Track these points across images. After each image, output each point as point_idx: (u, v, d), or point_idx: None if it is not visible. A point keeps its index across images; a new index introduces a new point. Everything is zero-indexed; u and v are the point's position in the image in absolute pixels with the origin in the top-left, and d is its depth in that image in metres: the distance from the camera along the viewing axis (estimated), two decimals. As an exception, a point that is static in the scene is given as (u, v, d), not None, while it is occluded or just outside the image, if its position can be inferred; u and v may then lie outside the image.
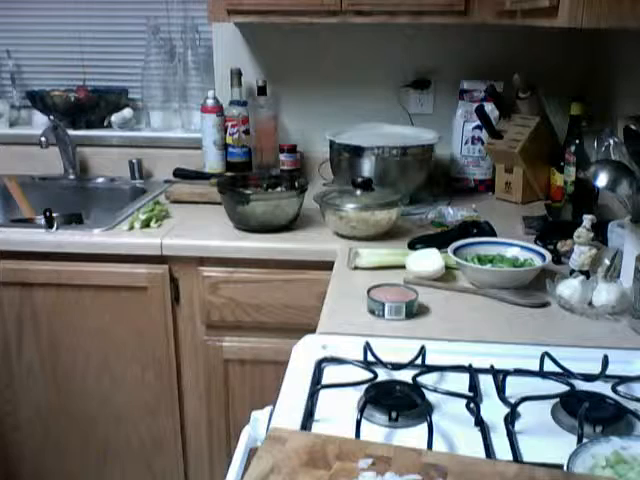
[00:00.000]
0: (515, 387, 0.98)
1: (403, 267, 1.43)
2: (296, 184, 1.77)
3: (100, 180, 2.25)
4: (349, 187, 1.73)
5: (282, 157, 2.17)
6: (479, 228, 1.60)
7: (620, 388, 0.96)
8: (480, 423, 0.90)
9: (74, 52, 2.35)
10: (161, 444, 1.87)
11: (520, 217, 1.80)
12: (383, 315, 1.23)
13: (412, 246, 1.56)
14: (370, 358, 1.04)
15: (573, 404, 0.91)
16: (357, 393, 0.96)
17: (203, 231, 1.75)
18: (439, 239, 1.55)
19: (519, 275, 1.36)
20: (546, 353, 1.03)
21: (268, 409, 0.99)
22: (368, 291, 1.27)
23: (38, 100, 2.30)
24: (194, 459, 1.89)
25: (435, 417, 0.91)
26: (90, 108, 2.30)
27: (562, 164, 1.84)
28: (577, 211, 1.67)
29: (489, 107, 2.01)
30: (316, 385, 0.99)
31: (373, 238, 1.66)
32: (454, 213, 1.79)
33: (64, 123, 2.25)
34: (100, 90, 2.34)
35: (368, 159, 1.86)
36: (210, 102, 2.11)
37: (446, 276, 1.42)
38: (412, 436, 0.88)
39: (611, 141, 1.38)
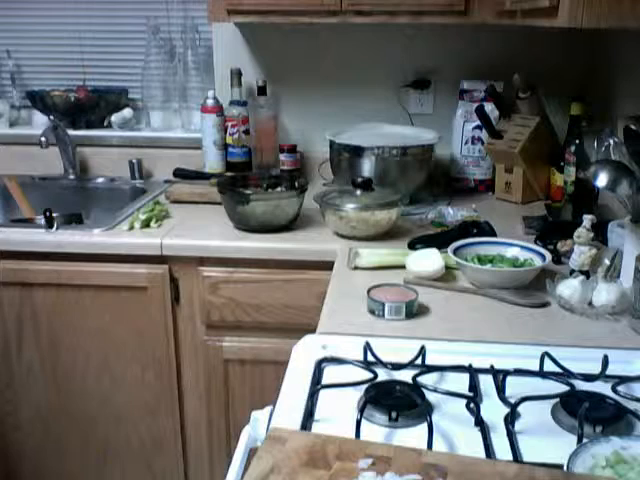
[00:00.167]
0: (515, 387, 0.98)
1: (403, 267, 1.43)
2: (296, 184, 1.77)
3: (100, 180, 2.25)
4: (349, 187, 1.73)
5: (282, 157, 2.17)
6: (479, 228, 1.60)
7: (620, 388, 0.96)
8: (480, 423, 0.90)
9: (74, 52, 2.35)
10: (161, 444, 1.87)
11: (520, 217, 1.80)
12: (383, 315, 1.23)
13: (412, 246, 1.56)
14: (370, 358, 1.04)
15: (573, 404, 0.91)
16: (357, 393, 0.96)
17: (203, 231, 1.75)
18: (439, 239, 1.55)
19: (519, 275, 1.36)
20: (546, 353, 1.03)
21: (268, 409, 0.99)
22: (368, 291, 1.27)
23: (38, 100, 2.30)
24: (194, 459, 1.89)
25: (435, 417, 0.91)
26: (90, 108, 2.30)
27: (562, 164, 1.85)
28: (577, 211, 1.67)
29: (489, 107, 2.01)
30: (316, 385, 0.99)
31: (373, 238, 1.66)
32: (454, 213, 1.79)
33: (64, 123, 2.25)
34: (100, 90, 2.34)
35: (368, 159, 1.86)
36: (210, 102, 2.11)
37: (446, 276, 1.42)
38: (412, 436, 0.88)
39: (611, 141, 1.38)
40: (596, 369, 1.00)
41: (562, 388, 0.96)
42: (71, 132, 2.25)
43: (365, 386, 0.95)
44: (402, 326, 1.21)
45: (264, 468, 0.74)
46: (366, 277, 1.40)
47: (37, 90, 2.33)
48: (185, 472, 1.90)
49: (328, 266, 1.53)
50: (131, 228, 1.76)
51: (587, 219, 1.34)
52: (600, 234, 1.46)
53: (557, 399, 0.94)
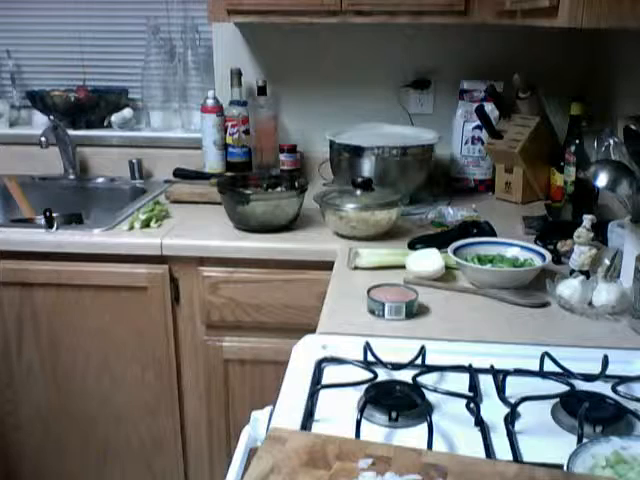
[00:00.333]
0: (515, 387, 0.98)
1: (403, 267, 1.43)
2: (296, 184, 1.77)
3: (100, 180, 2.25)
4: (349, 187, 1.73)
5: (282, 157, 2.17)
6: (479, 228, 1.60)
7: (620, 388, 0.96)
8: (480, 423, 0.90)
9: (74, 52, 2.35)
10: (161, 444, 1.87)
11: (520, 217, 1.80)
12: (383, 315, 1.23)
13: (412, 246, 1.56)
14: (370, 358, 1.04)
15: (573, 404, 0.91)
16: (357, 393, 0.96)
17: (203, 231, 1.75)
18: (439, 239, 1.55)
19: (519, 275, 1.36)
20: (546, 353, 1.03)
21: (268, 409, 0.99)
22: (368, 291, 1.27)
23: (38, 100, 2.30)
24: (194, 459, 1.89)
25: (435, 417, 0.91)
26: (90, 108, 2.30)
27: (562, 164, 1.84)
28: (577, 211, 1.67)
29: (489, 107, 2.01)
30: (316, 385, 0.99)
31: (373, 238, 1.66)
32: (454, 213, 1.79)
33: (64, 123, 2.25)
34: (100, 90, 2.34)
35: (368, 159, 1.86)
36: (210, 102, 2.11)
37: (446, 276, 1.42)
38: (412, 436, 0.88)
39: (611, 141, 1.38)
40: (596, 369, 1.00)
41: (562, 388, 0.96)
42: (71, 132, 2.25)
43: (365, 386, 0.95)
44: (402, 326, 1.21)
45: (264, 468, 0.74)
46: (366, 277, 1.40)
47: (37, 90, 2.33)
48: (185, 472, 1.90)
49: (328, 266, 1.53)
50: (131, 228, 1.76)
51: (587, 219, 1.34)
52: (600, 234, 1.46)
53: (557, 399, 0.94)
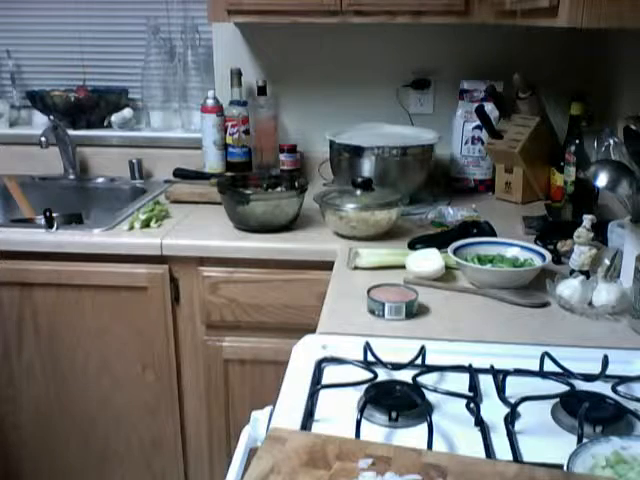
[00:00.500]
0: (515, 387, 0.98)
1: (403, 267, 1.43)
2: (296, 184, 1.77)
3: (100, 180, 2.25)
4: (349, 187, 1.73)
5: (282, 157, 2.17)
6: (479, 228, 1.60)
7: (620, 388, 0.96)
8: (480, 423, 0.90)
9: (74, 52, 2.35)
10: (161, 444, 1.87)
11: (520, 217, 1.80)
12: (383, 315, 1.23)
13: (412, 246, 1.56)
14: (370, 358, 1.04)
15: (573, 404, 0.91)
16: (357, 393, 0.96)
17: (203, 231, 1.75)
18: (439, 239, 1.55)
19: (519, 275, 1.36)
20: (546, 353, 1.03)
21: (268, 409, 0.99)
22: (368, 291, 1.27)
23: (38, 100, 2.30)
24: (194, 459, 1.89)
25: (435, 417, 0.90)
26: (90, 108, 2.30)
27: (562, 164, 1.84)
28: (577, 211, 1.67)
29: (489, 107, 2.01)
30: (316, 385, 0.99)
31: (373, 238, 1.66)
32: (454, 213, 1.79)
33: (64, 123, 2.25)
34: (100, 90, 2.34)
35: (368, 159, 1.86)
36: (210, 102, 2.11)
37: (446, 276, 1.42)
38: (412, 436, 0.88)
39: (611, 141, 1.38)
40: (596, 369, 1.00)
41: (562, 388, 0.96)
42: (71, 132, 2.25)
43: (365, 386, 0.95)
44: (402, 326, 1.21)
45: (264, 468, 0.74)
46: (366, 277, 1.40)
47: (37, 90, 2.33)
48: (185, 472, 1.90)
49: (328, 266, 1.53)
50: (131, 228, 1.76)
51: (587, 219, 1.34)
52: (600, 234, 1.46)
53: (557, 399, 0.94)
